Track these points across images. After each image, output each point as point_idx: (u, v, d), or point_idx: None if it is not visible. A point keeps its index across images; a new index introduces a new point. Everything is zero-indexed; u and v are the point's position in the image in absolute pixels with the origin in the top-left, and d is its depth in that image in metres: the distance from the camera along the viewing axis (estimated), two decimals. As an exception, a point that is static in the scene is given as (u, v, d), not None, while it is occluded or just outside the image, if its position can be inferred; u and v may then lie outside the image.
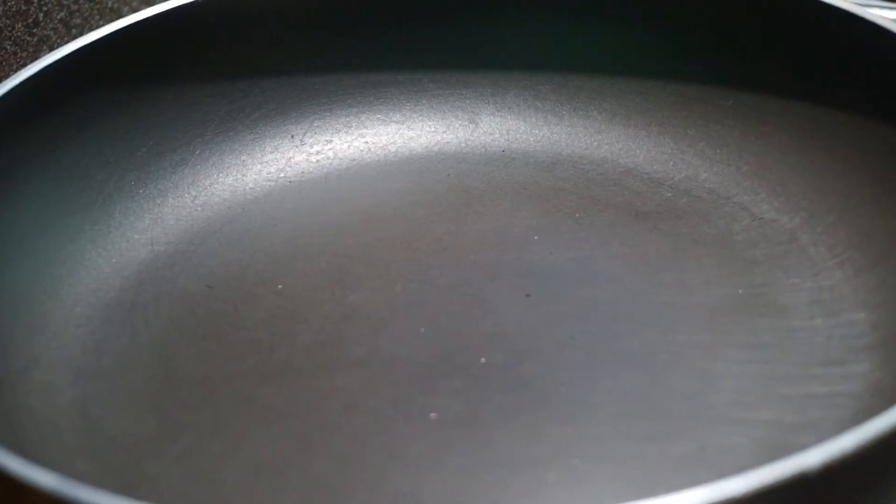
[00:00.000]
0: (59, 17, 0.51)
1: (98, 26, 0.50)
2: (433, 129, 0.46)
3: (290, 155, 0.46)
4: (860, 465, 0.27)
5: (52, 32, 0.51)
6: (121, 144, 0.43)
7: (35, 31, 0.50)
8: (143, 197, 0.43)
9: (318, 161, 0.46)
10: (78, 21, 0.52)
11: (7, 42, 0.49)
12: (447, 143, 0.46)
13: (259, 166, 0.45)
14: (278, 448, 0.34)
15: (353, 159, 0.46)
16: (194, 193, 0.44)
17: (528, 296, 0.38)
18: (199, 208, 0.44)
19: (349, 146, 0.46)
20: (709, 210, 0.42)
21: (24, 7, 0.49)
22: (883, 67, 0.40)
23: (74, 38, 0.49)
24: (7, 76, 0.45)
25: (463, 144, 0.46)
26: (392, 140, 0.46)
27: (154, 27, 0.44)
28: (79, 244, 0.41)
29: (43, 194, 0.41)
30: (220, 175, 0.45)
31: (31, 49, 0.50)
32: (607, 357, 0.36)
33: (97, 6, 0.53)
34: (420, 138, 0.46)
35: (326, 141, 0.46)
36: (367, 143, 0.46)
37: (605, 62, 0.46)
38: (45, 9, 0.50)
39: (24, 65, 0.49)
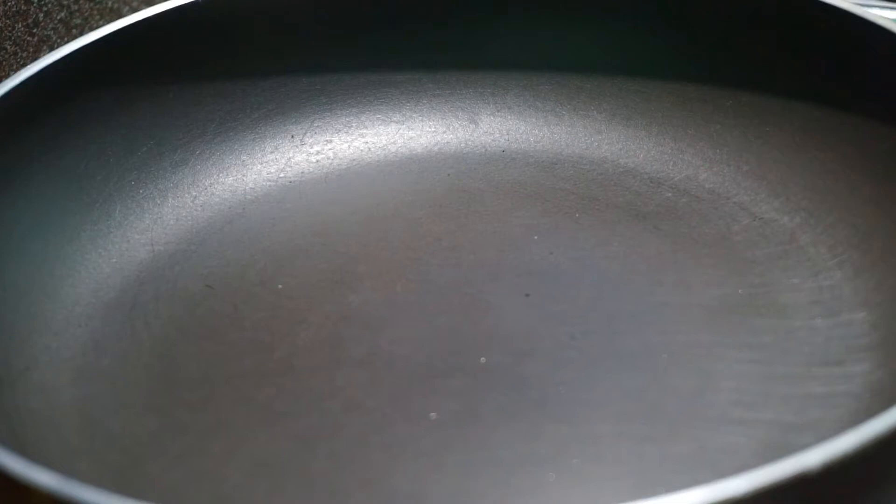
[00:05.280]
0: (59, 17, 0.51)
1: (98, 26, 0.50)
2: (433, 129, 0.46)
3: (290, 155, 0.46)
4: (860, 465, 0.27)
5: (52, 32, 0.51)
6: (121, 144, 0.43)
7: (35, 31, 0.50)
8: (143, 197, 0.43)
9: (318, 161, 0.46)
10: (78, 21, 0.52)
11: (7, 42, 0.49)
12: (447, 143, 0.46)
13: (259, 166, 0.45)
14: (278, 448, 0.34)
15: (353, 159, 0.46)
16: (194, 193, 0.44)
17: (527, 295, 0.38)
18: (199, 208, 0.44)
19: (349, 146, 0.46)
20: (709, 210, 0.42)
21: (24, 7, 0.49)
22: (883, 67, 0.40)
23: (74, 38, 0.49)
24: (7, 76, 0.45)
25: (463, 144, 0.46)
26: (392, 140, 0.46)
27: (154, 27, 0.44)
28: (79, 244, 0.41)
29: (43, 194, 0.41)
30: (220, 175, 0.45)
31: (31, 49, 0.50)
32: (607, 357, 0.36)
33: (97, 6, 0.53)
34: (420, 138, 0.46)
35: (326, 141, 0.46)
36: (367, 143, 0.46)
37: (605, 62, 0.46)
38: (45, 9, 0.50)
39: (24, 65, 0.49)
